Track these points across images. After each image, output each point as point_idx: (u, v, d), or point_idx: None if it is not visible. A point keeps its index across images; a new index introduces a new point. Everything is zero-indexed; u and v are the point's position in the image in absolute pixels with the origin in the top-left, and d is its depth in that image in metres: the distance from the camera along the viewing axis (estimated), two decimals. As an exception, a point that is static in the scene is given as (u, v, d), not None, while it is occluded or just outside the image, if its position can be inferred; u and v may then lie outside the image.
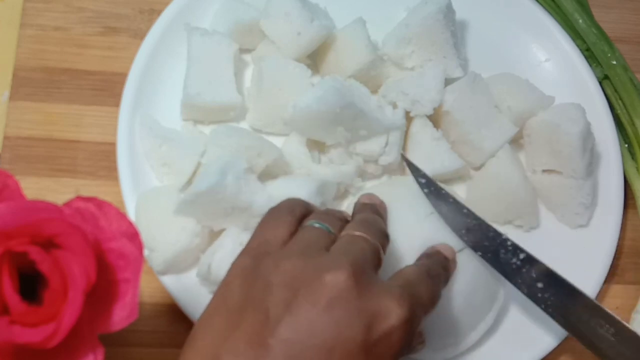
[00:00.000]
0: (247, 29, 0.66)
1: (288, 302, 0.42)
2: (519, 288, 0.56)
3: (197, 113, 0.63)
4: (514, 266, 0.56)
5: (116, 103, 0.63)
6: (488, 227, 0.56)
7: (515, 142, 0.67)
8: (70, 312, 0.37)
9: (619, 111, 0.71)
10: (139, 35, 0.67)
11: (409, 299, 0.44)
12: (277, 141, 0.63)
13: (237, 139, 0.59)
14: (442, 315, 0.55)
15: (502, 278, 0.57)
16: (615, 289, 0.67)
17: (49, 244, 0.39)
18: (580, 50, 0.72)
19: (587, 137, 0.64)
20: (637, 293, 0.66)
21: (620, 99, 0.71)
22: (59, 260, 0.38)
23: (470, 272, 0.57)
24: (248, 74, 0.67)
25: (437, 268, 0.52)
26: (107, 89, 0.66)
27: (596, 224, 0.66)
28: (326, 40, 0.65)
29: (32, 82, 0.65)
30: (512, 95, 0.66)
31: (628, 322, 0.64)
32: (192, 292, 0.57)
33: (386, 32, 0.67)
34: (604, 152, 0.68)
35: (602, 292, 0.65)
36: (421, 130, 0.64)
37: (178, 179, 0.60)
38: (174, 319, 0.59)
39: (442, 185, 0.61)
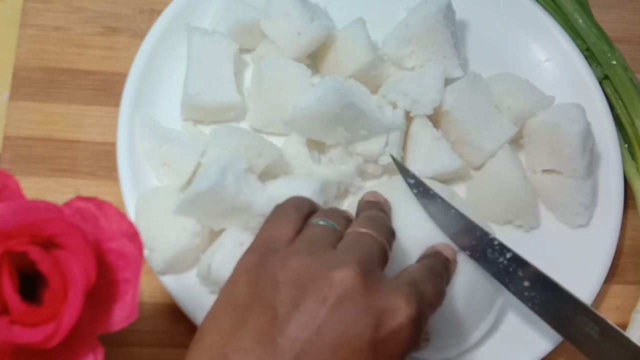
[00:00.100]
0: (247, 29, 0.66)
1: (295, 300, 0.42)
2: (507, 287, 0.57)
3: (197, 113, 0.64)
4: (500, 265, 0.56)
5: (116, 103, 0.63)
6: (475, 227, 0.56)
7: (515, 142, 0.67)
8: (70, 312, 0.37)
9: (619, 111, 0.71)
10: (139, 35, 0.67)
11: (417, 297, 0.44)
12: (277, 141, 0.63)
13: (237, 139, 0.59)
14: (444, 314, 0.55)
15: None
16: (615, 289, 0.67)
17: (49, 244, 0.39)
18: (580, 50, 0.72)
19: (587, 137, 0.64)
20: (637, 293, 0.66)
21: (620, 99, 0.71)
22: (59, 260, 0.38)
23: (471, 271, 0.57)
24: (248, 74, 0.67)
25: (439, 268, 0.52)
26: (107, 89, 0.66)
27: (596, 224, 0.66)
28: (326, 40, 0.65)
29: (32, 82, 0.65)
30: (512, 95, 0.66)
31: (628, 322, 0.64)
32: (192, 292, 0.57)
33: (386, 32, 0.67)
34: (604, 152, 0.68)
35: (602, 292, 0.65)
36: (421, 130, 0.64)
37: (178, 179, 0.60)
38: (174, 319, 0.59)
39: (438, 184, 0.61)
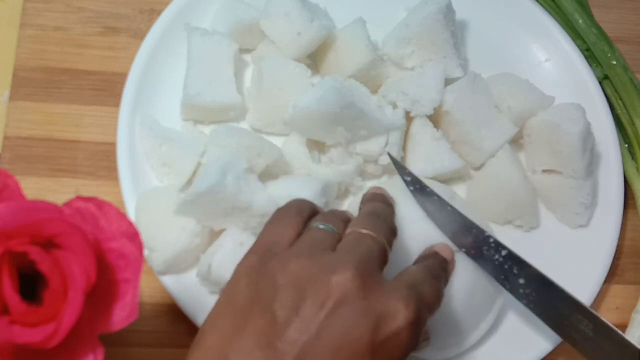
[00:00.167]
0: (247, 29, 0.66)
1: (295, 304, 0.42)
2: (502, 284, 0.57)
3: (197, 113, 0.64)
4: (496, 262, 0.56)
5: (116, 103, 0.63)
6: (471, 224, 0.57)
7: (515, 142, 0.67)
8: (70, 312, 0.37)
9: (619, 111, 0.71)
10: (139, 35, 0.67)
11: (416, 300, 0.44)
12: (277, 141, 0.63)
13: (237, 139, 0.59)
14: (444, 314, 0.55)
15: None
16: (615, 289, 0.67)
17: (49, 244, 0.39)
18: (580, 50, 0.72)
19: (587, 137, 0.64)
20: (637, 293, 0.66)
21: (620, 99, 0.71)
22: (59, 260, 0.38)
23: (471, 271, 0.57)
24: (248, 74, 0.67)
25: (437, 269, 0.52)
26: (107, 89, 0.66)
27: (596, 224, 0.66)
28: (326, 40, 0.65)
29: (32, 82, 0.65)
30: (512, 95, 0.66)
31: (628, 322, 0.64)
32: (192, 292, 0.57)
33: (386, 32, 0.67)
34: (604, 152, 0.68)
35: (602, 292, 0.65)
36: (421, 130, 0.64)
37: (178, 179, 0.60)
38: (174, 319, 0.59)
39: (438, 184, 0.61)
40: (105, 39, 0.68)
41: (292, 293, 0.42)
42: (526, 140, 0.67)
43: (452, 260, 0.56)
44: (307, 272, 0.43)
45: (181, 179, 0.60)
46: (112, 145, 0.62)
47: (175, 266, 0.58)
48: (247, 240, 0.56)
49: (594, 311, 0.54)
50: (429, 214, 0.57)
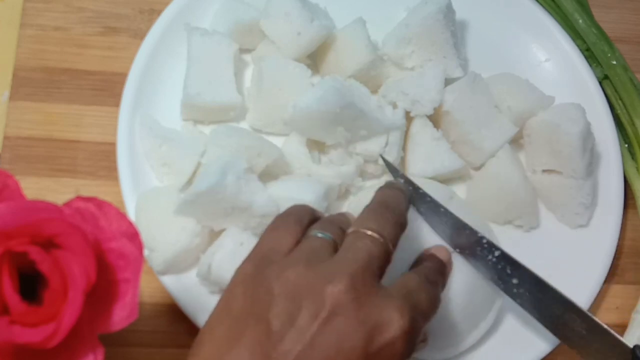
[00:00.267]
0: (247, 29, 0.66)
1: (290, 314, 0.42)
2: (497, 284, 0.57)
3: (197, 113, 0.64)
4: (490, 263, 0.56)
5: (116, 103, 0.63)
6: (464, 226, 0.57)
7: (515, 142, 0.67)
8: (70, 312, 0.37)
9: (619, 111, 0.71)
10: (139, 35, 0.67)
11: (410, 309, 0.44)
12: (277, 141, 0.63)
13: (237, 139, 0.59)
14: (444, 315, 0.55)
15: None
16: (615, 289, 0.67)
17: (49, 244, 0.39)
18: (580, 50, 0.72)
19: (587, 137, 0.64)
20: (637, 293, 0.66)
21: (620, 99, 0.71)
22: (59, 260, 0.38)
23: (470, 271, 0.57)
24: (248, 74, 0.67)
25: (434, 273, 0.52)
26: (107, 89, 0.66)
27: (596, 224, 0.66)
28: (326, 40, 0.65)
29: (32, 82, 0.65)
30: (512, 95, 0.66)
31: (628, 322, 0.64)
32: (192, 292, 0.57)
33: (386, 32, 0.67)
34: (604, 152, 0.68)
35: (602, 292, 0.65)
36: (421, 130, 0.64)
37: (178, 179, 0.60)
38: (174, 319, 0.59)
39: (437, 184, 0.61)
40: (105, 39, 0.68)
41: (287, 303, 0.42)
42: (526, 140, 0.67)
43: (450, 262, 0.55)
44: (303, 281, 0.43)
45: (181, 179, 0.60)
46: (112, 145, 0.62)
47: (175, 266, 0.58)
48: (247, 240, 0.56)
49: (585, 310, 0.54)
50: (423, 215, 0.57)
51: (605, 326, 0.54)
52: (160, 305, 0.59)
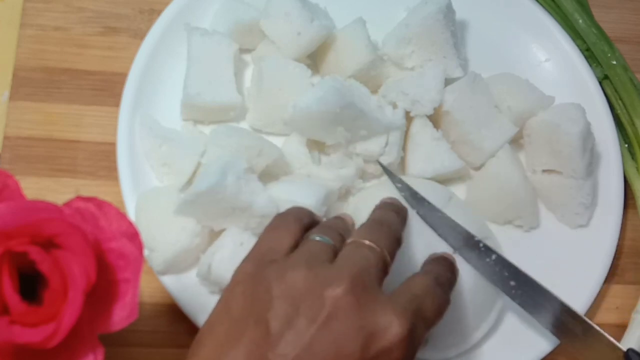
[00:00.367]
0: (247, 29, 0.66)
1: (288, 317, 0.42)
2: (496, 285, 0.58)
3: (197, 113, 0.63)
4: (487, 265, 0.57)
5: (116, 103, 0.63)
6: (460, 230, 0.57)
7: (515, 142, 0.67)
8: (70, 312, 0.37)
9: (619, 111, 0.71)
10: (139, 35, 0.67)
11: (411, 315, 0.43)
12: (277, 141, 0.63)
13: (237, 139, 0.59)
14: (445, 315, 0.55)
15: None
16: (615, 289, 0.67)
17: (49, 244, 0.39)
18: (580, 50, 0.72)
19: (587, 137, 0.64)
20: (637, 293, 0.66)
21: (620, 99, 0.71)
22: (59, 260, 0.38)
23: (471, 271, 0.57)
24: (248, 74, 0.67)
25: (445, 273, 0.52)
26: (107, 89, 0.66)
27: (596, 224, 0.66)
28: (326, 40, 0.65)
29: (32, 82, 0.65)
30: (512, 95, 0.66)
31: (628, 322, 0.64)
32: (192, 292, 0.57)
33: (386, 32, 0.67)
34: (604, 152, 0.68)
35: (602, 292, 0.65)
36: (421, 130, 0.64)
37: (178, 179, 0.60)
38: (174, 319, 0.59)
39: (436, 185, 0.61)
40: (105, 39, 0.68)
41: (286, 305, 0.42)
42: (526, 140, 0.67)
43: (455, 263, 0.55)
44: (303, 284, 0.43)
45: (181, 179, 0.60)
46: (112, 145, 0.62)
47: (175, 266, 0.58)
48: (247, 240, 0.56)
49: (580, 313, 0.55)
50: (423, 218, 0.58)
51: (599, 329, 0.54)
52: (160, 305, 0.59)
